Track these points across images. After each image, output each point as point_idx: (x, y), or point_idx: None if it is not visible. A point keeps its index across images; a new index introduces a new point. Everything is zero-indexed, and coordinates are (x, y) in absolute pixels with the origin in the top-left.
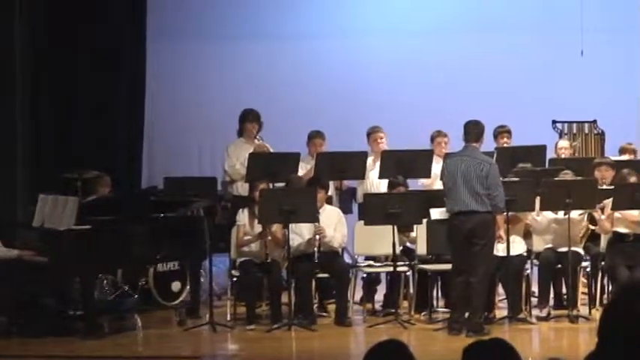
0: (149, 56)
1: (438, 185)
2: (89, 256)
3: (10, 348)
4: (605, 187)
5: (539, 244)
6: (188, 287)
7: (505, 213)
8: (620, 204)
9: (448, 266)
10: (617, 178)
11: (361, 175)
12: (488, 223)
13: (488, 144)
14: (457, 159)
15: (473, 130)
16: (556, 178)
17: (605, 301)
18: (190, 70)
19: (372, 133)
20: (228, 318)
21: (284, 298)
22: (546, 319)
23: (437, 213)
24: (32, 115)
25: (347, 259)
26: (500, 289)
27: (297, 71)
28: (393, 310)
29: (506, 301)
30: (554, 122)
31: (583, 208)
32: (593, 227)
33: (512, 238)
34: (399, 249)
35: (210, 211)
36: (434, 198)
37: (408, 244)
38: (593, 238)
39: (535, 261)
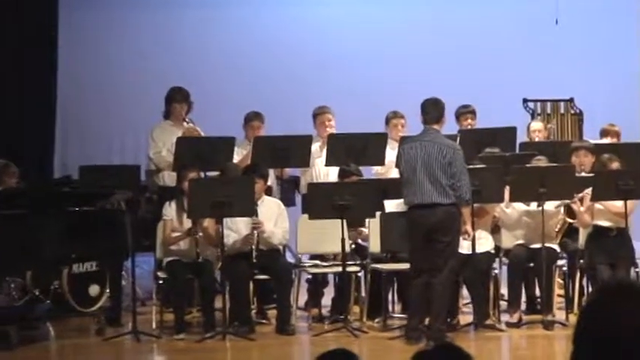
0: (62, 25)
1: (393, 173)
2: None
3: None
4: (584, 174)
5: (509, 240)
6: (108, 291)
7: (470, 205)
8: (601, 194)
9: (406, 266)
10: (597, 164)
11: (305, 162)
12: (452, 217)
13: (450, 126)
14: (416, 144)
15: (432, 111)
16: (528, 165)
17: None
18: (110, 42)
19: (318, 115)
20: (154, 326)
21: (217, 304)
22: (517, 325)
23: (392, 205)
24: None
25: (289, 258)
26: (464, 292)
27: (232, 44)
28: (343, 317)
29: (471, 305)
30: (525, 101)
31: (559, 198)
32: (570, 220)
33: (478, 233)
34: (349, 246)
35: (132, 204)
36: (389, 188)
37: (359, 241)
38: (570, 232)
39: (504, 259)
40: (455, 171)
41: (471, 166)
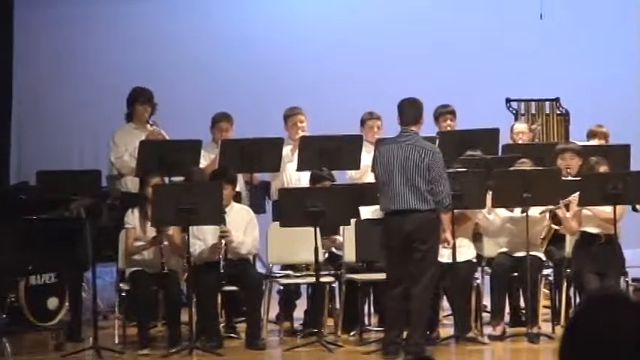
0: (17, 24)
1: (369, 178)
2: None
3: None
4: (570, 178)
5: (492, 248)
6: (67, 304)
7: (451, 211)
8: (588, 199)
9: (382, 276)
10: (584, 167)
11: (276, 166)
12: (431, 223)
13: (428, 127)
14: (393, 146)
15: (409, 111)
16: (511, 168)
17: None
18: (69, 39)
19: (290, 116)
20: (117, 341)
21: (184, 317)
22: (501, 338)
23: (368, 212)
24: None
25: (259, 268)
26: (445, 303)
27: (199, 42)
28: (316, 330)
29: (452, 317)
30: (508, 101)
31: (544, 204)
32: (556, 227)
33: (458, 241)
34: (322, 256)
35: (93, 212)
36: (364, 193)
37: (333, 250)
38: (556, 240)
39: (487, 268)
40: (434, 175)
41: (451, 170)
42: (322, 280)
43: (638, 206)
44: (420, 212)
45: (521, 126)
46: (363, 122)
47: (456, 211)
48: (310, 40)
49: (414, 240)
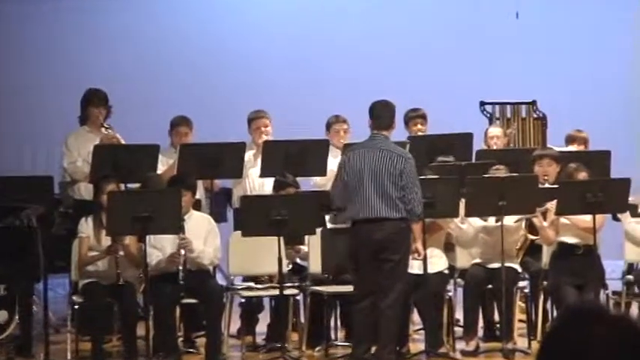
0: None
1: None
2: None
3: None
4: (547, 185)
5: (465, 259)
6: (17, 318)
7: (422, 220)
8: (566, 207)
9: (349, 288)
10: (563, 174)
11: (238, 172)
12: (402, 233)
13: (398, 132)
14: (363, 151)
15: (383, 115)
16: (485, 175)
17: None
18: (18, 41)
19: (253, 120)
20: (69, 356)
21: (140, 331)
22: (474, 353)
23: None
24: None
25: (220, 279)
26: (415, 317)
27: (157, 41)
28: (280, 345)
29: (423, 331)
30: (482, 104)
31: (520, 212)
32: (532, 237)
33: (430, 251)
34: (286, 267)
35: (44, 220)
36: (331, 201)
37: (298, 261)
38: (532, 250)
39: (459, 280)
40: (406, 182)
41: (423, 177)
42: (286, 292)
43: (619, 215)
44: (391, 221)
45: (495, 130)
46: (328, 126)
47: (427, 220)
48: (274, 41)
49: (384, 250)
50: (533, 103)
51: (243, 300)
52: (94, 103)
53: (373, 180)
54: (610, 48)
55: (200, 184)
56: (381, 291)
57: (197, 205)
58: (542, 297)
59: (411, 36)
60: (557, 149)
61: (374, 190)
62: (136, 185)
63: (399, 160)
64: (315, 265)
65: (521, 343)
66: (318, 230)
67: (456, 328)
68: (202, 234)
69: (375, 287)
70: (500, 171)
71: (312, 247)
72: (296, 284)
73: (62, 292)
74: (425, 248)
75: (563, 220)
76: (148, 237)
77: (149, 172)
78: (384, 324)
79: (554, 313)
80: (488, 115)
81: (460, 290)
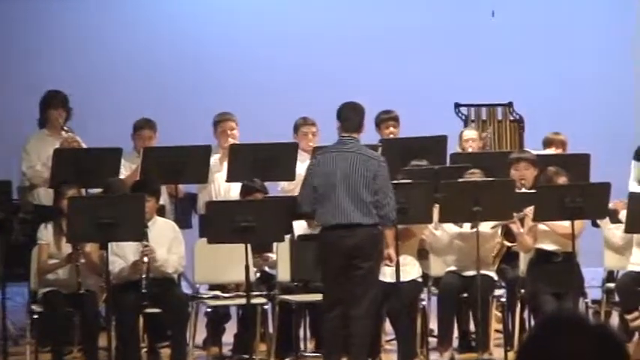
0: None
1: None
2: None
3: None
4: (524, 190)
5: (439, 266)
6: None
7: (395, 225)
8: (544, 213)
9: (319, 297)
10: (541, 178)
11: (203, 177)
12: (375, 239)
13: (369, 135)
14: (335, 155)
15: (352, 117)
16: (460, 180)
17: None
18: None
19: (219, 122)
20: None
21: (102, 341)
22: None
23: (303, 227)
24: None
25: (185, 288)
26: (388, 327)
27: (119, 41)
28: (247, 356)
29: (395, 342)
30: (457, 106)
31: (496, 218)
32: (509, 244)
33: (402, 259)
34: (254, 275)
35: (2, 226)
36: (298, 206)
37: (265, 269)
38: (509, 258)
39: (434, 289)
40: (380, 186)
41: (395, 182)
42: (254, 301)
43: (598, 221)
44: (364, 227)
45: (471, 133)
46: (296, 128)
47: (399, 226)
48: (238, 40)
49: (355, 257)
50: (510, 104)
51: (209, 309)
52: (53, 105)
53: (346, 184)
54: (588, 48)
55: (164, 189)
56: (352, 300)
57: (161, 211)
58: (519, 306)
59: (383, 35)
60: (535, 152)
61: (346, 194)
62: (98, 190)
63: (372, 163)
64: (283, 274)
65: (498, 354)
66: (287, 237)
67: (430, 339)
68: (166, 241)
69: (346, 296)
70: (475, 175)
71: (281, 254)
72: (264, 293)
73: (21, 301)
74: (397, 255)
75: (541, 226)
76: (110, 244)
77: (111, 176)
78: (355, 334)
79: (532, 323)
80: (463, 117)
81: (434, 299)
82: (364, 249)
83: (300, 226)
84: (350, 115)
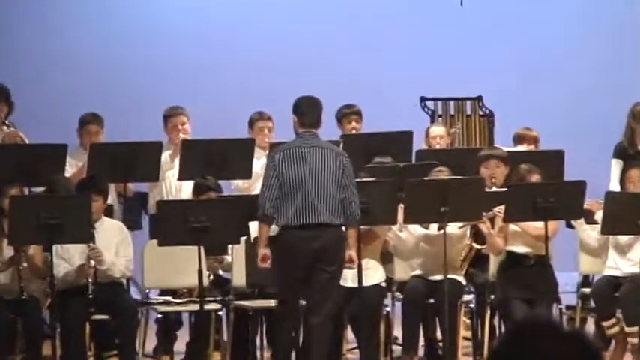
0: None
1: (258, 189)
2: None
3: None
4: (495, 189)
5: (404, 270)
6: None
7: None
8: (515, 213)
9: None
10: (512, 176)
11: (154, 175)
12: (341, 241)
13: (330, 130)
14: (299, 150)
15: (311, 111)
16: (427, 178)
17: None
18: None
19: (170, 117)
20: None
21: (46, 350)
22: None
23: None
24: None
25: (134, 293)
26: (349, 334)
27: (64, 33)
28: None
29: (357, 350)
30: (423, 99)
31: (465, 219)
32: (478, 246)
33: (365, 262)
34: (207, 279)
35: None
36: (256, 207)
37: (220, 272)
38: (478, 261)
39: (398, 294)
40: (347, 182)
41: (357, 180)
42: (207, 307)
43: (573, 222)
44: (332, 227)
45: (438, 129)
46: (251, 123)
47: (362, 227)
48: (189, 29)
49: (320, 260)
50: (479, 98)
51: (159, 315)
52: None
53: (314, 181)
54: (560, 38)
55: (112, 188)
56: (313, 306)
57: (109, 212)
58: (488, 312)
59: (343, 25)
60: (505, 149)
61: (315, 192)
62: (42, 189)
63: (339, 158)
64: (239, 278)
65: None
66: (243, 239)
67: (395, 347)
68: (114, 243)
69: (304, 301)
70: (442, 173)
71: (236, 257)
72: (218, 298)
73: None
74: (360, 258)
75: (512, 227)
76: (54, 246)
77: (56, 174)
78: (316, 343)
79: (502, 330)
80: (430, 112)
81: (399, 305)
82: (330, 251)
83: (256, 227)
84: (309, 110)
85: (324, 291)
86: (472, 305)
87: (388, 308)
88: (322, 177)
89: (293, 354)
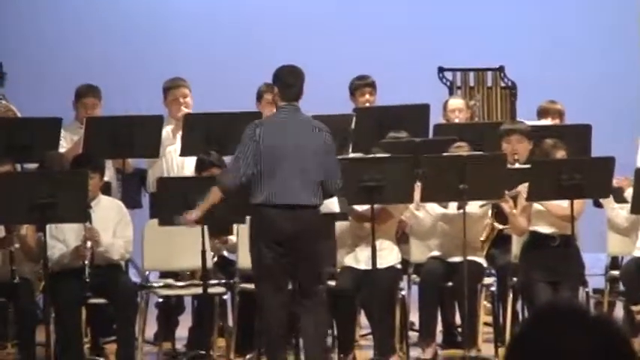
0: None
1: None
2: None
3: None
4: (517, 165)
5: (421, 251)
6: None
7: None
8: (540, 191)
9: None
10: (536, 152)
11: (154, 151)
12: (321, 222)
13: (342, 103)
14: (280, 125)
15: (293, 81)
16: (445, 154)
17: None
18: None
19: (170, 89)
20: None
21: (39, 336)
22: None
23: None
24: None
25: (133, 276)
26: (363, 319)
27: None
28: (204, 352)
29: (371, 337)
30: (441, 70)
31: (485, 197)
32: (500, 226)
33: (379, 243)
34: (211, 261)
35: None
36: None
37: (224, 254)
38: (500, 242)
39: (414, 277)
40: (330, 161)
41: (371, 156)
42: (211, 290)
43: (601, 200)
44: (310, 208)
45: (456, 102)
46: (259, 96)
47: (376, 206)
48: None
49: (298, 241)
50: (501, 69)
51: (160, 300)
52: None
53: (295, 159)
54: (590, 5)
55: (110, 164)
56: (303, 290)
57: (106, 189)
58: (511, 296)
59: None
60: (529, 123)
61: (296, 170)
62: (34, 166)
63: (324, 135)
64: (244, 259)
65: (487, 350)
66: (248, 218)
67: (411, 333)
68: (112, 223)
69: (285, 284)
70: (462, 149)
71: (242, 237)
72: (222, 281)
73: None
74: (374, 240)
75: (536, 205)
76: (48, 226)
77: (50, 150)
78: (309, 328)
79: (525, 315)
80: (448, 83)
81: (415, 288)
82: (308, 232)
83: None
84: (290, 81)
85: (309, 273)
86: (493, 289)
87: (404, 292)
88: (304, 154)
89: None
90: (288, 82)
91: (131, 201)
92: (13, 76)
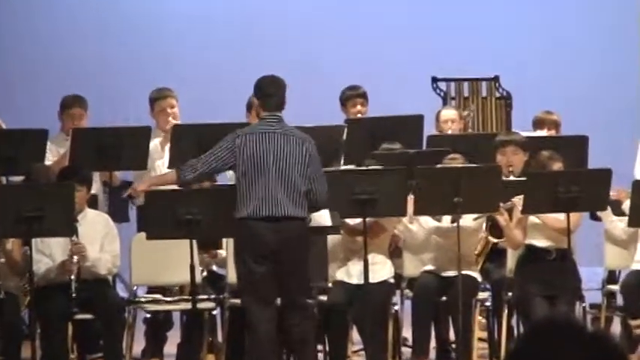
0: None
1: None
2: None
3: None
4: (512, 177)
5: (414, 265)
6: None
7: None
8: (535, 204)
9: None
10: (531, 164)
11: (142, 163)
12: (306, 235)
13: (333, 114)
14: (262, 135)
15: (274, 91)
16: (439, 166)
17: None
18: None
19: (158, 100)
20: None
21: (25, 352)
22: None
23: None
24: None
25: (121, 291)
26: (355, 335)
27: (43, 5)
28: None
29: (364, 352)
30: (435, 80)
31: (480, 210)
32: (495, 240)
33: (371, 257)
34: (200, 275)
35: None
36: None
37: (214, 268)
38: (495, 256)
39: (408, 291)
40: (315, 170)
41: (363, 168)
42: (200, 306)
43: (599, 213)
44: (296, 220)
45: (448, 112)
46: (250, 107)
47: (368, 219)
48: (188, 12)
49: (283, 254)
50: (496, 79)
51: (148, 315)
52: None
53: (278, 170)
54: (585, 14)
55: (97, 176)
56: (290, 303)
57: (93, 202)
58: (506, 311)
59: (350, 2)
60: (524, 134)
61: (279, 182)
62: (20, 178)
63: (307, 146)
64: (234, 274)
65: None
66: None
67: (404, 349)
68: (98, 237)
69: (272, 298)
70: (456, 161)
71: (231, 251)
72: (212, 296)
73: None
74: (366, 254)
75: (531, 218)
76: (34, 240)
77: (35, 162)
78: (297, 343)
79: (521, 331)
80: (442, 93)
81: (408, 303)
82: (294, 245)
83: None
84: (272, 91)
85: (295, 286)
86: (488, 303)
87: (397, 307)
88: (287, 166)
89: None
90: (268, 92)
91: (118, 214)
92: (7, 76)
